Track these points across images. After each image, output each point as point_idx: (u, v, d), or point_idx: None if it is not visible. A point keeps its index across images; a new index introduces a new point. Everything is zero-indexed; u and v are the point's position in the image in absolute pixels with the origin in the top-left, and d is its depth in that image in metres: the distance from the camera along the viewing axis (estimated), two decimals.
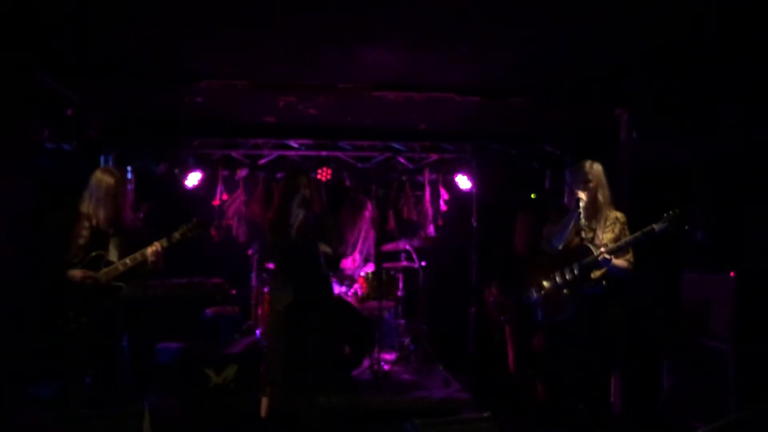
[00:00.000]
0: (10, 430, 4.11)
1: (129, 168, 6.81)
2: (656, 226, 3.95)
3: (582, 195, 4.12)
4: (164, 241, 4.18)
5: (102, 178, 4.18)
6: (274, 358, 4.42)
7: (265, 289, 6.26)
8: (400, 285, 6.69)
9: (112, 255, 4.15)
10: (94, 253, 4.09)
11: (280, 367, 4.36)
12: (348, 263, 6.78)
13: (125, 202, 4.25)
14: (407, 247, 6.65)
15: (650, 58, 4.47)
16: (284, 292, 4.45)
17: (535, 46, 4.30)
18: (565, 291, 4.13)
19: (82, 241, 4.08)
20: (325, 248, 4.50)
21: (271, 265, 6.50)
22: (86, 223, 4.11)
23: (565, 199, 4.35)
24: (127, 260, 4.11)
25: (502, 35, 4.12)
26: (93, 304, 4.07)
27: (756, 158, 4.88)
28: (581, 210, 4.08)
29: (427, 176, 7.24)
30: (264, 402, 4.54)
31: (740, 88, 4.65)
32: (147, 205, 6.56)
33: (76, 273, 4.03)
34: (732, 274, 4.58)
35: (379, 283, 6.25)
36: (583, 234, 4.06)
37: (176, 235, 4.24)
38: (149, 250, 4.12)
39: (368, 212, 7.12)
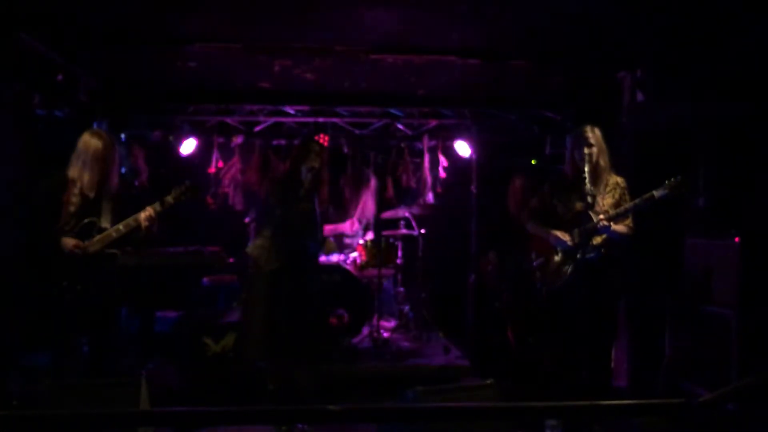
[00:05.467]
0: (4, 400, 4.07)
1: (123, 135, 6.73)
2: (656, 193, 3.87)
3: (584, 160, 4.03)
4: (157, 206, 4.08)
5: (89, 141, 4.03)
6: (251, 326, 4.38)
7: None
8: (399, 253, 6.62)
9: (105, 221, 4.04)
10: (86, 220, 3.99)
11: (256, 336, 4.32)
12: (347, 227, 6.73)
13: (114, 166, 4.10)
14: (406, 214, 6.59)
15: (654, 18, 4.36)
16: (275, 255, 4.38)
17: (537, 6, 4.18)
18: (569, 261, 4.06)
19: (72, 208, 3.97)
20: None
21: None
22: (76, 189, 3.99)
23: (566, 166, 4.27)
24: (120, 226, 4.01)
25: None
26: (87, 272, 3.99)
27: (761, 121, 4.78)
28: (586, 175, 3.99)
29: (426, 143, 7.13)
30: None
31: (743, 50, 4.54)
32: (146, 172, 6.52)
33: (68, 242, 3.94)
34: (737, 239, 4.52)
35: (378, 251, 6.19)
36: (589, 200, 3.97)
37: (169, 198, 4.13)
38: (142, 215, 4.02)
39: (372, 186, 7.07)
